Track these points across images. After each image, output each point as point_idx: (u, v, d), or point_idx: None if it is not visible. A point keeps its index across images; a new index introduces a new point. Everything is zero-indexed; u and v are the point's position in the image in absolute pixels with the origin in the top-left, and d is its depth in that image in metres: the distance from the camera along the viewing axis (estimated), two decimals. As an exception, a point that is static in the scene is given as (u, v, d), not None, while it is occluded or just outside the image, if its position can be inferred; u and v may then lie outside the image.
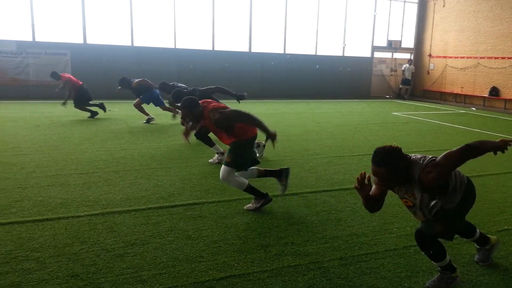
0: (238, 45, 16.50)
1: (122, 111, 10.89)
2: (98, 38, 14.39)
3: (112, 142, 6.93)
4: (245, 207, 4.03)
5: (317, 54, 17.56)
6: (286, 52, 17.15)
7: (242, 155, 3.90)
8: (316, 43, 17.54)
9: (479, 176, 5.24)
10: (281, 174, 4.22)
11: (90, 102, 9.85)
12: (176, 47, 15.57)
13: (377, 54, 18.65)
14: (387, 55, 18.96)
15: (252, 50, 16.62)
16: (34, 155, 5.89)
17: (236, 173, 3.91)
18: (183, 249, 3.15)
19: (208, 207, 4.07)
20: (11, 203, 3.98)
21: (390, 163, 2.42)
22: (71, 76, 10.03)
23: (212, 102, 4.05)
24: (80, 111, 9.79)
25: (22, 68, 13.45)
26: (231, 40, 16.44)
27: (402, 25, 18.72)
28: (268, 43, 16.92)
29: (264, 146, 6.09)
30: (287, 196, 4.41)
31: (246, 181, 3.95)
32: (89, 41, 14.25)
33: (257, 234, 3.46)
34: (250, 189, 3.95)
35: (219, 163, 5.51)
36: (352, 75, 18.20)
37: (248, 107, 13.20)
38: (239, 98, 6.67)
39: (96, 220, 3.65)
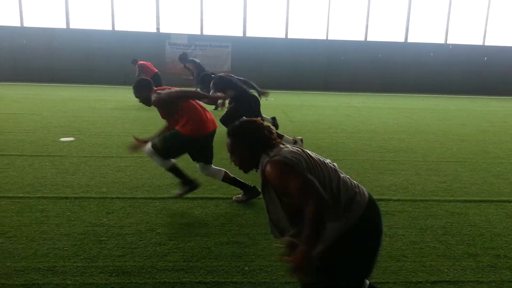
0: (393, 35, 15.69)
1: (277, 101, 11.36)
2: (256, 31, 15.24)
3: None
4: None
5: (485, 44, 15.63)
6: (448, 42, 15.66)
7: (173, 149, 3.68)
8: (485, 31, 15.59)
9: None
10: (251, 192, 3.83)
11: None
12: (328, 38, 15.53)
13: None
14: None
15: (409, 40, 15.61)
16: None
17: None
18: (383, 246, 3.11)
19: (394, 204, 3.95)
20: (209, 180, 4.45)
21: (238, 136, 2.00)
22: (147, 64, 10.69)
23: (168, 89, 3.87)
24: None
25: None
26: (385, 29, 15.70)
27: None
28: (427, 32, 15.68)
29: (301, 141, 5.75)
30: (482, 203, 4.02)
31: (171, 162, 3.74)
32: (248, 34, 15.18)
33: (459, 241, 3.22)
34: (175, 172, 3.77)
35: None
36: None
37: (398, 102, 12.53)
38: (261, 94, 6.21)
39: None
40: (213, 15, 15.16)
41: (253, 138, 1.97)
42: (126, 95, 11.49)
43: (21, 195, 3.88)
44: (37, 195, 3.88)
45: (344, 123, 8.30)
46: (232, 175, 3.88)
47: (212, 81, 5.88)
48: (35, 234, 3.13)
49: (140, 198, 3.90)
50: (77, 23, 14.79)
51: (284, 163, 1.79)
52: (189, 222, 3.44)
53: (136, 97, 3.87)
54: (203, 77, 6.73)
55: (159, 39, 14.84)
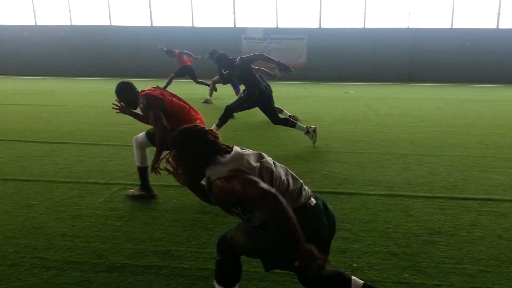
0: (483, 21, 14.50)
1: (358, 93, 11.07)
2: (332, 22, 14.94)
3: (362, 124, 7.07)
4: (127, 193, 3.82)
5: None
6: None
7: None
8: None
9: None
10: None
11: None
12: (410, 26, 14.77)
13: None
14: None
15: (500, 27, 14.34)
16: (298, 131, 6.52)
17: None
18: (499, 248, 2.90)
19: (507, 205, 3.66)
20: (302, 174, 4.46)
21: (184, 144, 1.90)
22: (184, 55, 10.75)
23: (154, 90, 3.64)
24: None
25: (267, 52, 15.13)
26: (474, 15, 14.56)
27: None
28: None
29: (315, 131, 5.49)
30: None
31: (147, 164, 3.70)
32: (324, 25, 14.92)
33: None
34: (143, 173, 3.71)
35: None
36: None
37: (493, 93, 11.55)
38: (283, 69, 5.51)
39: (387, 201, 3.74)
40: (288, 7, 15.11)
41: (200, 145, 1.89)
42: (205, 89, 11.88)
43: (131, 182, 4.17)
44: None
45: (435, 117, 7.86)
46: None
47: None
48: (148, 219, 3.36)
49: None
50: (160, 21, 15.57)
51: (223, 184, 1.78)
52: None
53: (118, 100, 3.70)
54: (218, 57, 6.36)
55: (236, 34, 15.13)
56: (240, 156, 1.88)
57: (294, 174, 1.99)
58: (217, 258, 2.07)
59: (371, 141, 5.88)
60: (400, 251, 2.87)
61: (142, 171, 3.76)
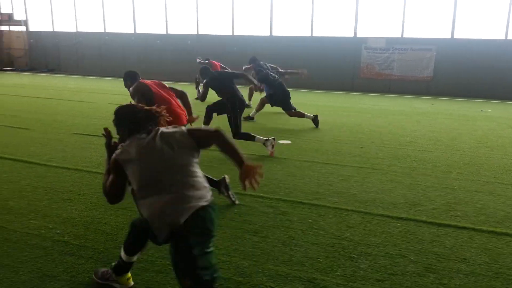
0: None
1: (498, 113, 9.78)
2: (466, 32, 13.55)
3: (506, 150, 6.13)
4: None
5: None
6: None
7: None
8: None
9: None
10: (220, 186, 3.72)
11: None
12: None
13: None
14: None
15: None
16: (434, 152, 5.88)
17: None
18: None
19: None
20: (450, 205, 3.92)
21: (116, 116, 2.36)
22: (216, 63, 10.49)
23: (148, 82, 4.22)
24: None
25: (388, 63, 14.34)
26: None
27: None
28: None
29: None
30: None
31: None
32: (457, 35, 13.61)
33: None
34: None
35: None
36: None
37: None
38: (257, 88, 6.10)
39: None
40: (416, 16, 14.12)
41: (123, 122, 2.30)
42: (320, 100, 11.63)
43: (262, 194, 4.09)
44: (275, 196, 4.04)
45: None
46: None
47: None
48: (285, 238, 3.20)
49: (377, 214, 3.66)
50: (279, 31, 15.78)
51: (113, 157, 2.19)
52: (442, 252, 3.02)
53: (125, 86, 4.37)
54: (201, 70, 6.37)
55: (356, 43, 14.62)
56: (129, 143, 2.20)
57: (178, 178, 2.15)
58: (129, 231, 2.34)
59: (528, 172, 5.01)
60: None
61: None
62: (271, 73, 8.03)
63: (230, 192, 3.79)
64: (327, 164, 5.21)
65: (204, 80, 5.94)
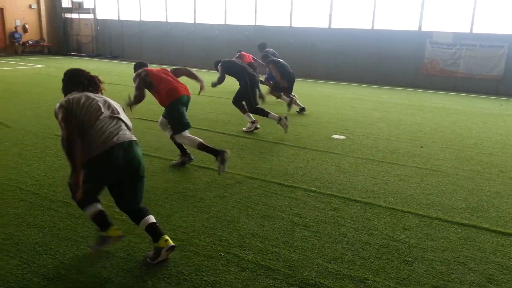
0: None
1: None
2: (545, 28, 12.45)
3: None
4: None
5: None
6: None
7: (175, 118, 4.43)
8: None
9: None
10: (217, 154, 4.19)
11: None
12: None
13: None
14: None
15: None
16: (501, 156, 5.48)
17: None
18: None
19: None
20: (518, 213, 3.65)
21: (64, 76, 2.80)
22: (247, 54, 10.26)
23: (155, 69, 4.63)
24: None
25: (454, 60, 13.54)
26: None
27: None
28: None
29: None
30: None
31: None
32: (533, 31, 12.54)
33: None
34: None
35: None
36: None
37: None
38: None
39: None
40: (487, 10, 13.17)
41: (67, 81, 2.74)
42: (379, 96, 11.24)
43: (313, 189, 4.04)
44: (327, 192, 3.97)
45: None
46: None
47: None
48: (336, 234, 3.13)
49: (435, 218, 3.48)
50: (338, 23, 15.41)
51: (59, 105, 2.53)
52: (506, 263, 2.81)
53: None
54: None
55: (420, 37, 13.92)
56: (75, 95, 2.60)
57: (119, 117, 2.62)
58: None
59: None
60: None
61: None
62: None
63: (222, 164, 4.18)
64: (383, 162, 5.03)
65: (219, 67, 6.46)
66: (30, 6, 19.81)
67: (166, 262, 2.64)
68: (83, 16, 20.69)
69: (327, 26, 15.55)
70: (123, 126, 2.61)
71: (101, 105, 2.58)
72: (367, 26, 14.85)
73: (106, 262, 2.63)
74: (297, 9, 16.10)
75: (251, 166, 4.70)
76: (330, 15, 15.43)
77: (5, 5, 18.79)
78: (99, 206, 2.63)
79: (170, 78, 4.58)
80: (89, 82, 2.72)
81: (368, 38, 14.63)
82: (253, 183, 4.16)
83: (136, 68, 4.84)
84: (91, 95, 2.64)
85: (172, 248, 2.62)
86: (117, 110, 2.66)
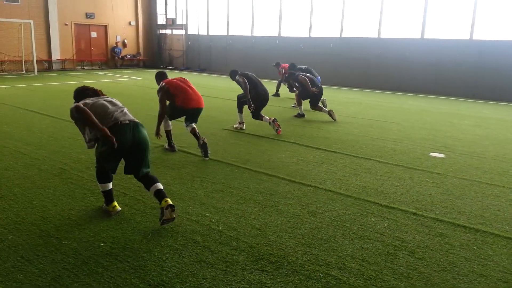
0: None
1: None
2: None
3: None
4: None
5: None
6: None
7: (173, 112, 5.45)
8: None
9: None
10: (199, 142, 5.30)
11: None
12: None
13: None
14: None
15: None
16: None
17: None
18: None
19: None
20: None
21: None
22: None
23: (175, 78, 5.50)
24: None
25: None
26: None
27: None
28: None
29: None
30: None
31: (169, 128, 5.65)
32: None
33: None
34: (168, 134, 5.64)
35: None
36: None
37: None
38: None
39: None
40: None
41: (79, 94, 3.56)
42: (480, 111, 10.32)
43: (414, 211, 3.76)
44: (430, 215, 3.67)
45: None
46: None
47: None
48: (445, 263, 2.85)
49: None
50: (431, 34, 14.54)
51: (73, 106, 3.27)
52: None
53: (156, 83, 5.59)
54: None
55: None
56: (85, 100, 3.40)
57: (123, 109, 3.43)
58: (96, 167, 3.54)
59: None
60: None
61: (168, 133, 5.61)
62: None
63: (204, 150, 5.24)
64: (491, 185, 4.54)
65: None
66: (129, 23, 21.62)
67: (183, 230, 2.59)
68: (175, 32, 22.07)
69: (419, 37, 14.76)
70: (127, 112, 3.41)
71: (106, 102, 3.38)
72: (464, 36, 13.82)
73: (206, 273, 2.66)
74: (387, 19, 15.52)
75: (343, 182, 4.52)
76: (423, 25, 14.62)
77: (109, 22, 20.73)
78: (110, 185, 3.51)
79: (186, 87, 5.33)
80: (93, 93, 3.54)
81: (467, 49, 13.60)
82: (346, 200, 4.00)
83: (157, 78, 5.52)
84: (98, 97, 3.48)
85: (171, 206, 3.17)
86: (120, 104, 3.47)
